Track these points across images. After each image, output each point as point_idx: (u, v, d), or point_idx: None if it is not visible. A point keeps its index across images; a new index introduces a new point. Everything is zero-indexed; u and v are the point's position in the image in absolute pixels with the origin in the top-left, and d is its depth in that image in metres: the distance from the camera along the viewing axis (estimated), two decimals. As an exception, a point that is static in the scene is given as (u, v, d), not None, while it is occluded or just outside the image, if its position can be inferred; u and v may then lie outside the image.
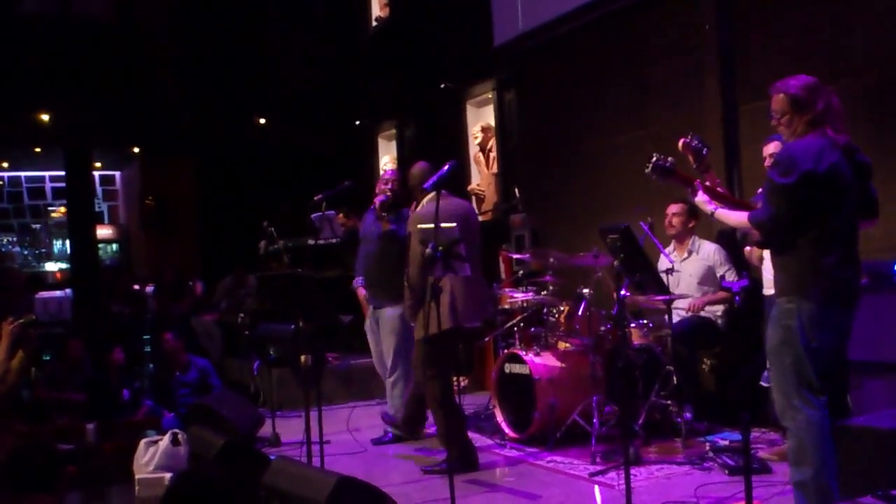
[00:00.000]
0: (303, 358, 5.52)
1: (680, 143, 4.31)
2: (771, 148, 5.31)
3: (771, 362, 3.83)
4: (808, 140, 3.73)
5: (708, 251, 6.35)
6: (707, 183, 4.22)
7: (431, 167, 5.76)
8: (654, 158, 4.21)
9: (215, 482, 2.70)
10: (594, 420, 5.74)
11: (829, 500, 3.63)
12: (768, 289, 5.11)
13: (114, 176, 17.78)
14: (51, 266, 17.05)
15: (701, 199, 4.09)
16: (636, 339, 6.20)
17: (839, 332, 3.77)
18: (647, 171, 4.22)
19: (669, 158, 4.21)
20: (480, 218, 9.72)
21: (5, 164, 16.68)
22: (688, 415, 5.78)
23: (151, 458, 5.49)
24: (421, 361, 5.54)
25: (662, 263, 6.30)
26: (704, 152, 4.29)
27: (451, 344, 5.48)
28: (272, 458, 4.57)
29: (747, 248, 5.61)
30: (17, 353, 5.33)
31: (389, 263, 6.33)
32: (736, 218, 3.97)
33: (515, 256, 7.75)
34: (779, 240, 3.82)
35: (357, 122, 12.89)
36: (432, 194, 5.48)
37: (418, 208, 5.74)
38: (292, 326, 5.92)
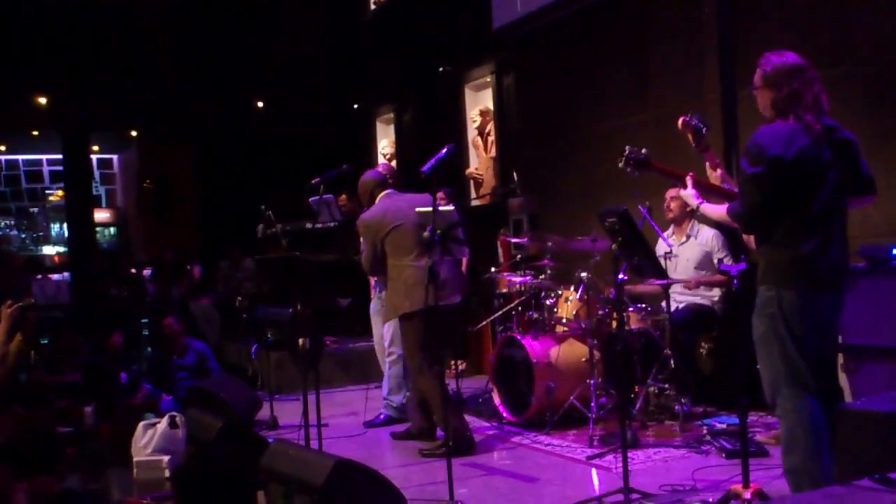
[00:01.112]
0: (301, 341, 5.52)
1: (679, 122, 4.30)
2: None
3: (758, 352, 3.79)
4: (777, 125, 3.67)
5: (706, 236, 6.35)
6: (706, 163, 4.22)
7: (381, 176, 5.97)
8: (626, 151, 4.20)
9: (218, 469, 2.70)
10: (591, 403, 5.75)
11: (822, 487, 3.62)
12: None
13: (112, 159, 17.76)
14: (49, 250, 17.07)
15: (689, 193, 4.07)
16: (634, 323, 6.20)
17: (824, 319, 3.70)
18: (620, 164, 4.22)
19: (643, 150, 4.21)
20: (478, 202, 9.76)
21: (3, 148, 16.66)
22: (685, 398, 5.80)
23: (149, 440, 5.49)
24: (407, 342, 5.64)
25: (660, 248, 6.30)
26: (704, 131, 4.27)
27: (433, 324, 5.45)
28: (270, 440, 4.57)
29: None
30: (15, 336, 5.33)
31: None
32: (718, 212, 3.96)
33: (513, 240, 7.75)
34: (757, 229, 3.80)
35: (355, 106, 12.86)
36: (385, 192, 5.79)
37: (370, 208, 5.83)
38: (290, 310, 5.92)
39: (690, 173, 4.13)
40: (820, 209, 3.63)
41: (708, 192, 4.10)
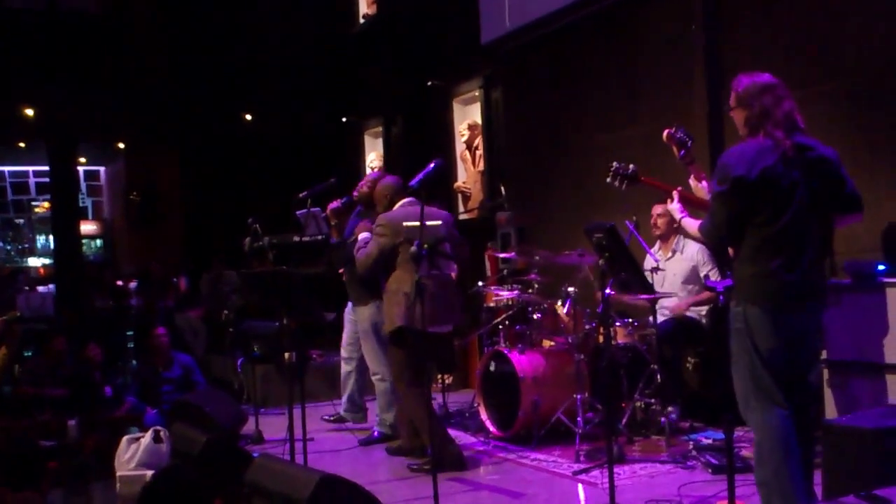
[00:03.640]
0: (287, 355, 5.51)
1: (664, 134, 4.39)
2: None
3: (732, 365, 3.87)
4: (746, 144, 3.75)
5: (692, 251, 6.36)
6: (691, 175, 4.26)
7: (400, 183, 5.88)
8: (614, 167, 4.35)
9: (193, 483, 2.69)
10: (578, 418, 5.74)
11: (792, 503, 3.64)
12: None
13: (98, 171, 17.71)
14: (34, 261, 16.98)
15: (674, 207, 4.19)
16: (621, 337, 6.20)
17: (792, 335, 3.73)
18: (608, 180, 4.37)
19: (630, 166, 4.35)
20: (466, 216, 9.77)
21: (-11, 159, 16.60)
22: (672, 414, 5.79)
23: (133, 455, 5.44)
24: (394, 357, 5.63)
25: (648, 263, 6.31)
26: (689, 144, 4.35)
27: (421, 346, 5.41)
28: (255, 455, 4.54)
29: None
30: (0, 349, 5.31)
31: (354, 266, 6.44)
32: (694, 227, 4.04)
33: (501, 255, 7.74)
34: (723, 246, 3.92)
35: (344, 119, 12.86)
36: (407, 199, 5.66)
37: (391, 210, 5.74)
38: (276, 323, 5.90)
39: (679, 188, 4.21)
40: (786, 227, 3.67)
41: (694, 206, 4.18)
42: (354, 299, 6.62)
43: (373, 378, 6.58)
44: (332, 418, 7.09)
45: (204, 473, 2.71)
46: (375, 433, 6.56)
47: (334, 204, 6.43)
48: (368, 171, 12.21)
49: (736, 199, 3.67)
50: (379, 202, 5.87)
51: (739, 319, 3.77)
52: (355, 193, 6.40)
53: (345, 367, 6.99)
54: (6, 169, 17.22)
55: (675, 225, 6.34)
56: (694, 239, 6.26)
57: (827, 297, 3.91)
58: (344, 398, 6.99)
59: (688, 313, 6.30)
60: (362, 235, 5.83)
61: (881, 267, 5.04)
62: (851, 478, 3.66)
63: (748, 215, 3.69)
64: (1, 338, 5.38)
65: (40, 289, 12.61)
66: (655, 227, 6.46)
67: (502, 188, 8.80)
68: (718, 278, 6.14)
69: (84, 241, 15.34)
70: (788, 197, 3.66)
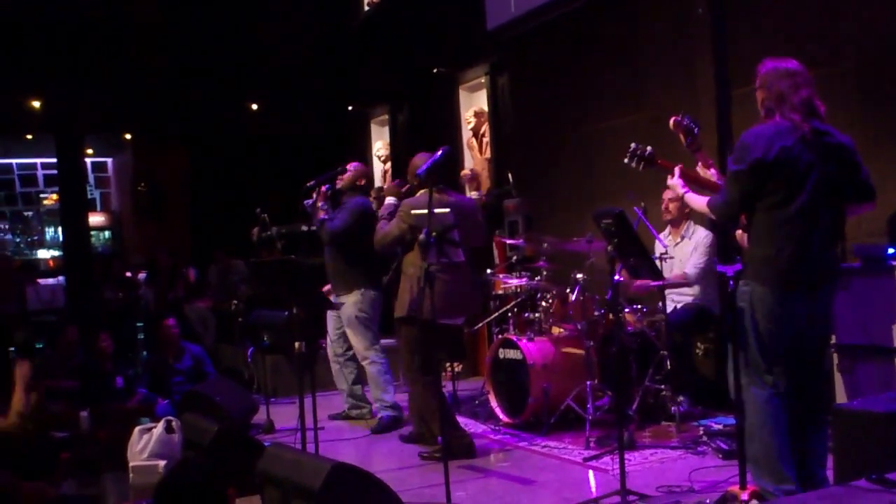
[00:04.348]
0: (297, 344, 5.51)
1: (671, 122, 4.43)
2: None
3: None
4: (765, 126, 3.81)
5: (699, 236, 6.35)
6: (699, 163, 4.32)
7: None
8: (632, 147, 4.42)
9: (208, 474, 2.70)
10: (588, 405, 5.75)
11: (781, 481, 3.69)
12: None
13: (106, 163, 17.72)
14: (43, 254, 17.03)
15: (675, 182, 4.26)
16: (630, 323, 6.20)
17: (796, 317, 3.79)
18: (625, 161, 4.44)
19: (648, 148, 4.41)
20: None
21: (-4, 152, 16.62)
22: (682, 399, 5.79)
23: (145, 445, 5.47)
24: (404, 344, 5.63)
25: (657, 250, 6.30)
26: (696, 131, 4.38)
27: (430, 337, 5.36)
28: (266, 444, 4.56)
29: (738, 231, 5.62)
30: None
31: (338, 256, 6.62)
32: (700, 202, 4.11)
33: (509, 242, 7.74)
34: (731, 223, 4.04)
35: (350, 108, 12.84)
36: (436, 186, 5.47)
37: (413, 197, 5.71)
38: (286, 313, 5.92)
39: (679, 165, 4.29)
40: (800, 210, 3.72)
41: (695, 183, 4.26)
42: (338, 288, 6.68)
43: (363, 363, 6.62)
44: (339, 416, 7.07)
45: (216, 463, 2.73)
46: (384, 417, 6.56)
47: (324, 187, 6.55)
48: (375, 159, 12.21)
49: (751, 178, 3.73)
50: (411, 177, 5.73)
51: (745, 298, 3.84)
52: (325, 188, 6.52)
53: (334, 365, 7.00)
54: (14, 161, 17.24)
55: (687, 210, 6.37)
56: (706, 226, 6.29)
57: (838, 282, 3.93)
58: (345, 395, 7.01)
59: (694, 300, 6.27)
60: (390, 199, 5.84)
61: (891, 250, 5.02)
62: (863, 461, 3.65)
63: (762, 195, 3.74)
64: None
65: (50, 281, 12.65)
66: (667, 211, 6.43)
67: (509, 175, 8.78)
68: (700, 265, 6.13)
69: (92, 232, 15.34)
70: (803, 179, 3.70)
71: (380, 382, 6.57)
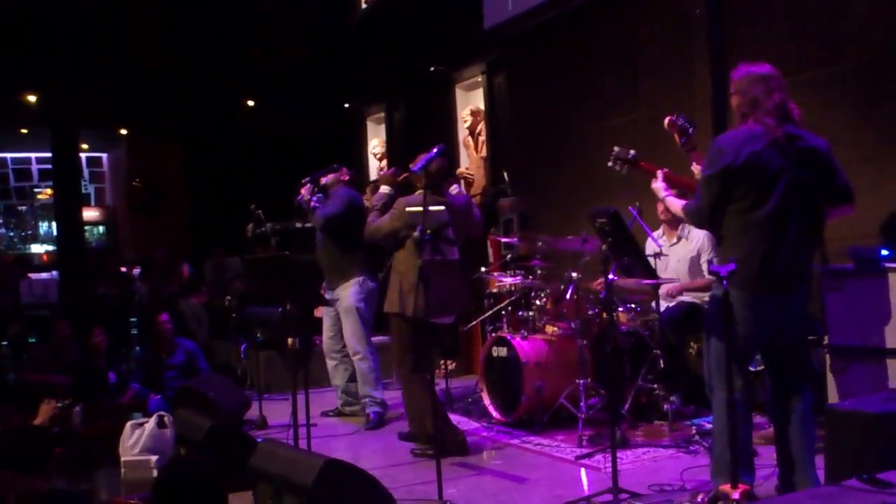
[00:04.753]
0: (290, 341, 5.52)
1: (666, 121, 4.49)
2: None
3: (704, 345, 4.04)
4: (737, 131, 3.88)
5: (696, 236, 6.35)
6: (693, 162, 4.41)
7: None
8: (616, 151, 4.52)
9: (205, 471, 2.71)
10: (581, 403, 5.75)
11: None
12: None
13: (101, 157, 17.69)
14: (37, 248, 17.00)
15: (658, 185, 4.33)
16: (623, 323, 6.20)
17: (768, 322, 3.83)
18: (609, 164, 4.53)
19: (631, 151, 4.50)
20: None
21: (-9, 146, 16.59)
22: (675, 398, 5.80)
23: (137, 440, 5.47)
24: (396, 341, 5.63)
25: (649, 248, 6.31)
26: (690, 131, 4.42)
27: (422, 335, 5.38)
28: (259, 440, 4.56)
29: None
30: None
31: (333, 248, 6.61)
32: (678, 206, 4.17)
33: (504, 240, 7.74)
34: (705, 226, 4.11)
35: (346, 105, 12.83)
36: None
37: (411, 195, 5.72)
38: (280, 309, 5.92)
39: (665, 169, 4.37)
40: (770, 214, 3.75)
41: (679, 187, 4.33)
42: (334, 280, 6.66)
43: (353, 358, 6.61)
44: (331, 413, 7.06)
45: (212, 460, 2.73)
46: (371, 414, 6.56)
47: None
48: (371, 157, 12.20)
49: (721, 183, 3.78)
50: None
51: (714, 301, 3.92)
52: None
53: (330, 362, 6.96)
54: (9, 155, 17.20)
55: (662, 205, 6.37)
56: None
57: (811, 285, 4.00)
58: (339, 391, 6.99)
59: (687, 299, 6.28)
60: (384, 189, 5.85)
61: (884, 252, 5.03)
62: (854, 462, 3.67)
63: (733, 199, 3.79)
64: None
65: (43, 275, 12.62)
66: (663, 212, 6.43)
67: (505, 174, 8.78)
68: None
69: (87, 227, 15.32)
70: (773, 183, 3.75)
71: (369, 379, 6.57)
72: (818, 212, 3.89)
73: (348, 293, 6.53)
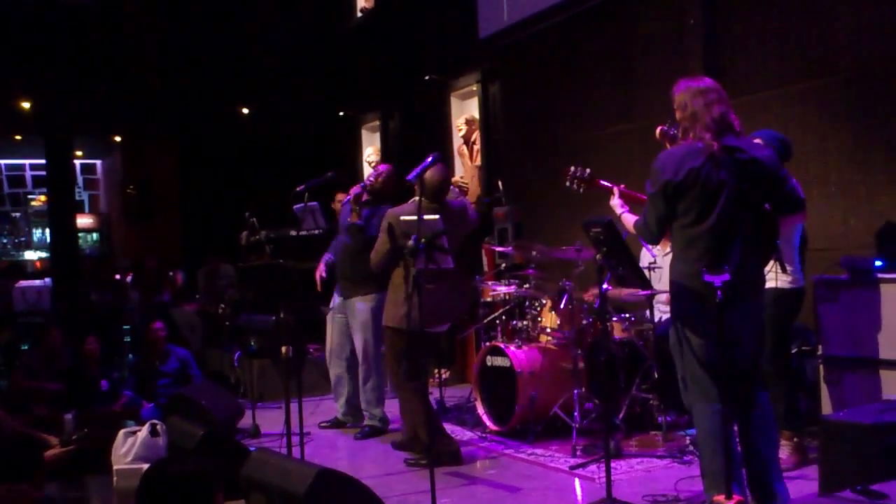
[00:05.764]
0: (284, 349, 5.50)
1: (657, 131, 4.58)
2: None
3: (675, 360, 4.05)
4: (676, 148, 3.95)
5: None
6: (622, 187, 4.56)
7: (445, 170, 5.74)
8: (571, 170, 4.73)
9: (190, 473, 2.69)
10: (575, 413, 5.75)
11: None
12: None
13: (95, 164, 17.67)
14: (30, 255, 16.95)
15: (615, 202, 4.46)
16: (618, 332, 6.20)
17: (722, 336, 3.77)
18: (567, 184, 4.77)
19: (587, 170, 4.73)
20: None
21: (-15, 152, 16.56)
22: (669, 409, 5.80)
23: (130, 448, 5.44)
24: (390, 352, 5.60)
25: (644, 258, 6.31)
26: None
27: (417, 345, 5.36)
28: (252, 449, 4.54)
29: None
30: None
31: (358, 257, 6.34)
32: (631, 222, 4.24)
33: (498, 249, 7.74)
34: (653, 243, 4.24)
35: (341, 113, 12.84)
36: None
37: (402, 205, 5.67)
38: (273, 317, 5.90)
39: (621, 185, 4.54)
40: (713, 227, 3.78)
41: (635, 203, 4.44)
42: (350, 292, 6.55)
43: (361, 371, 6.53)
44: (328, 424, 6.94)
45: (201, 465, 2.72)
46: (367, 428, 6.53)
47: (355, 189, 6.36)
48: (366, 165, 12.20)
49: (664, 200, 3.84)
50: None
51: (674, 315, 3.97)
52: (358, 189, 6.33)
53: (334, 372, 6.86)
54: (2, 162, 17.17)
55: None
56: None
57: (763, 296, 4.02)
58: (341, 402, 6.88)
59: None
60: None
61: (878, 263, 5.05)
62: (848, 473, 3.67)
63: (677, 215, 3.85)
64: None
65: (36, 282, 12.58)
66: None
67: (499, 183, 8.78)
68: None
69: (81, 234, 15.27)
70: (715, 197, 3.78)
71: (374, 396, 6.51)
72: (768, 222, 3.90)
73: (366, 308, 6.43)
